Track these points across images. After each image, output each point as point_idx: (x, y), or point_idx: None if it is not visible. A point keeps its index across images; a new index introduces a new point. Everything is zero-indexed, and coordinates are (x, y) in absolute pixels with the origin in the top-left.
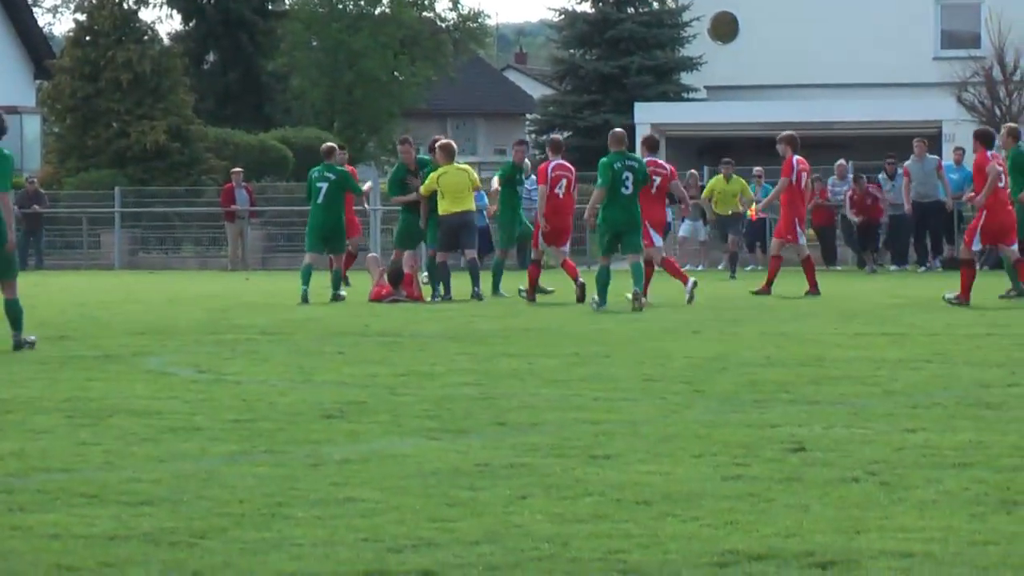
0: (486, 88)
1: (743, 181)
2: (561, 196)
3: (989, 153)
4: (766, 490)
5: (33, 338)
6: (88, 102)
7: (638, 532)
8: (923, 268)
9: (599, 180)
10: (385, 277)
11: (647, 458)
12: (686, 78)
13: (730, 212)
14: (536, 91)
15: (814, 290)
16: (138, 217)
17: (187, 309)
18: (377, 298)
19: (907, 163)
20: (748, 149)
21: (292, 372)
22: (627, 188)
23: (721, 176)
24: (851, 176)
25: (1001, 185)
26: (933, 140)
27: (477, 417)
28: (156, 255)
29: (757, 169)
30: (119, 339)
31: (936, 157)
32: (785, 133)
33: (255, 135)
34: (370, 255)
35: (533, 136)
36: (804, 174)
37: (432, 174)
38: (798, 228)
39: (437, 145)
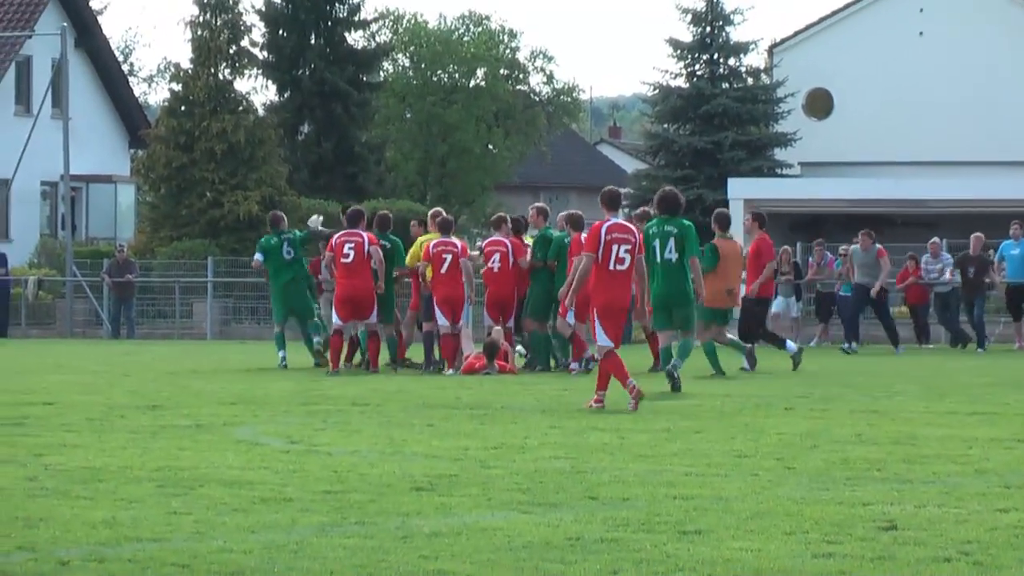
0: (579, 162)
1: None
2: (496, 270)
3: None
4: (857, 568)
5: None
6: (182, 171)
7: None
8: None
9: (549, 254)
10: (480, 350)
11: (738, 535)
12: (780, 154)
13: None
14: (629, 165)
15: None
16: (230, 287)
17: (278, 379)
18: (470, 371)
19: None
20: (841, 225)
21: (383, 444)
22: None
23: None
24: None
25: None
26: None
27: (568, 491)
28: (248, 325)
29: (843, 248)
30: (210, 409)
31: (878, 245)
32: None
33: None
34: (465, 330)
35: (627, 210)
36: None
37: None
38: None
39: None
